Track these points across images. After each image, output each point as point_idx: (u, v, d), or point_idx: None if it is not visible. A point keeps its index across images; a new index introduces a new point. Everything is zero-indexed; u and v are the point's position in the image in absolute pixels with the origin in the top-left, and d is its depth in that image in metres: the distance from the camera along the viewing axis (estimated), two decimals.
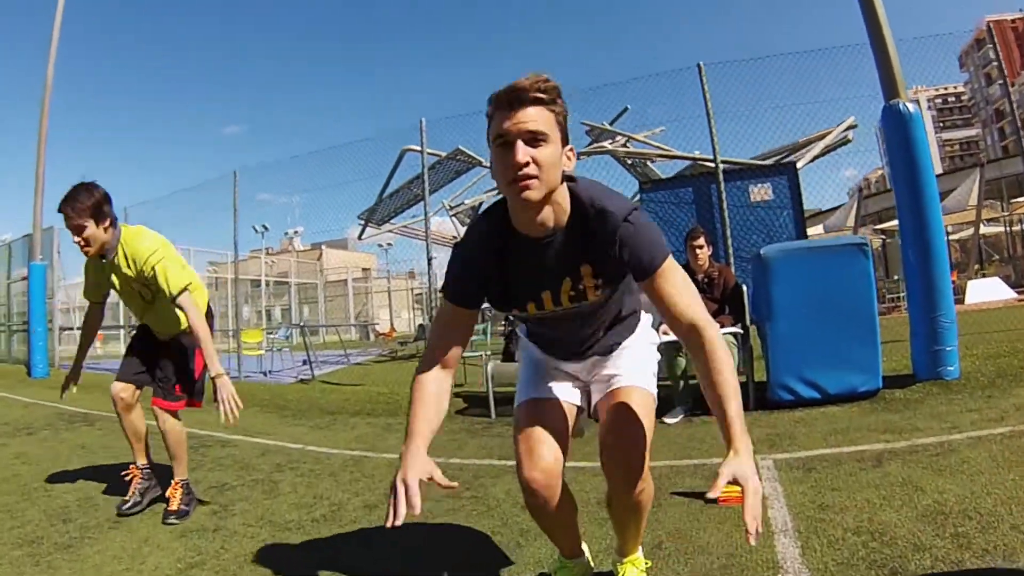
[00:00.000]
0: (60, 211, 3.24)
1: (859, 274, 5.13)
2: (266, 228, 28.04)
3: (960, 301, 15.81)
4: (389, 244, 24.46)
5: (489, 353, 8.55)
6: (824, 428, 4.43)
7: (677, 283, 1.75)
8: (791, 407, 5.11)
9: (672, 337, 5.20)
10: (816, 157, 10.47)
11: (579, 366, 2.16)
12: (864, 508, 2.83)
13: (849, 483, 3.22)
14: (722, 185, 6.74)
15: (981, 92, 78.10)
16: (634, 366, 2.11)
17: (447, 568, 2.63)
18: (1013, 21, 75.00)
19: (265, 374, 11.75)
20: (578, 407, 2.18)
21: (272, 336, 15.24)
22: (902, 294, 20.22)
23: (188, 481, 3.68)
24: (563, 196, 1.75)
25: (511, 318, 6.80)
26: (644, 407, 1.98)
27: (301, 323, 16.36)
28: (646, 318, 2.27)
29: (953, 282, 19.95)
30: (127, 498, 3.60)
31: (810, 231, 16.94)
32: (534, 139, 1.61)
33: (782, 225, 6.69)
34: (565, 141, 1.70)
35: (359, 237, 15.16)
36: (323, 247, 41.35)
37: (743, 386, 5.25)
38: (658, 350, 4.69)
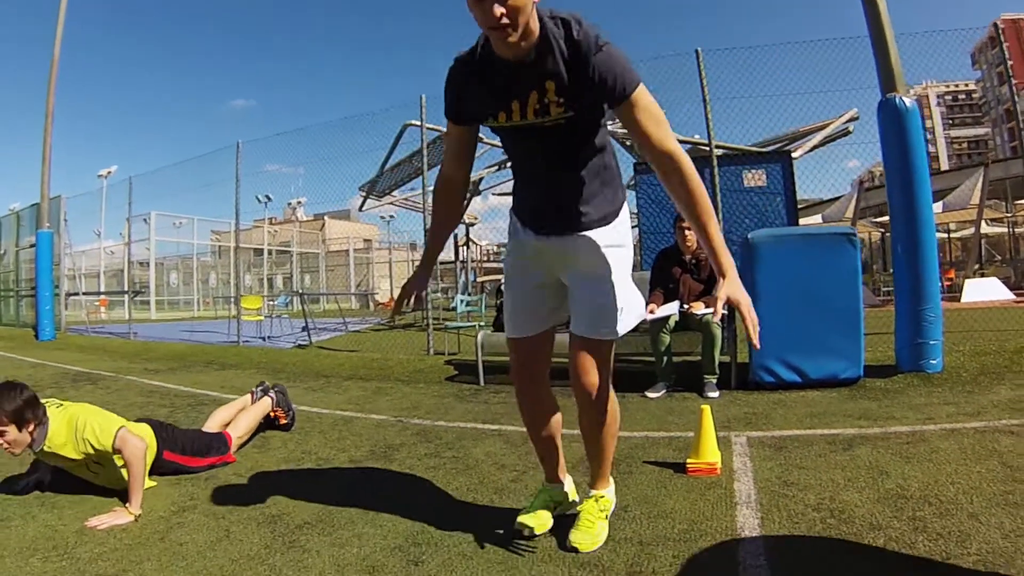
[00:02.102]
0: None
1: (846, 264, 5.18)
2: (269, 198, 28.05)
3: (957, 299, 15.92)
4: (391, 216, 24.55)
5: (484, 324, 8.70)
6: (801, 411, 4.53)
7: (651, 113, 1.98)
8: (772, 389, 5.19)
9: (660, 315, 5.32)
10: (815, 147, 10.51)
11: (555, 252, 2.37)
12: (828, 487, 2.94)
13: (817, 463, 3.31)
14: (716, 170, 6.80)
15: (993, 91, 77.47)
16: (601, 302, 2.35)
17: (422, 519, 2.76)
18: None
19: (264, 339, 11.89)
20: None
21: (272, 303, 15.37)
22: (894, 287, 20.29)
23: (278, 399, 4.52)
24: (534, 22, 1.94)
25: (502, 290, 6.91)
26: (602, 356, 2.36)
27: (300, 291, 16.48)
28: (625, 216, 2.44)
29: (952, 280, 20.00)
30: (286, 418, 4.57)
31: (809, 220, 17.01)
32: None
33: (774, 211, 6.75)
34: None
35: (360, 208, 15.26)
36: (326, 217, 41.39)
37: (726, 366, 5.43)
38: (644, 328, 4.88)
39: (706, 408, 3.33)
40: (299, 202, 34.05)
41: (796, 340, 5.18)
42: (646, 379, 5.43)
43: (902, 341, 5.66)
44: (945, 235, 28.51)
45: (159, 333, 14.19)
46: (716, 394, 5.13)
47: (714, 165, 6.81)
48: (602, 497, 2.55)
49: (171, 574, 2.31)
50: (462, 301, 10.40)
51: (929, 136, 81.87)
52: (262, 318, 13.27)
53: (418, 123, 9.94)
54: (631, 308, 2.39)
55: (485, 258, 32.10)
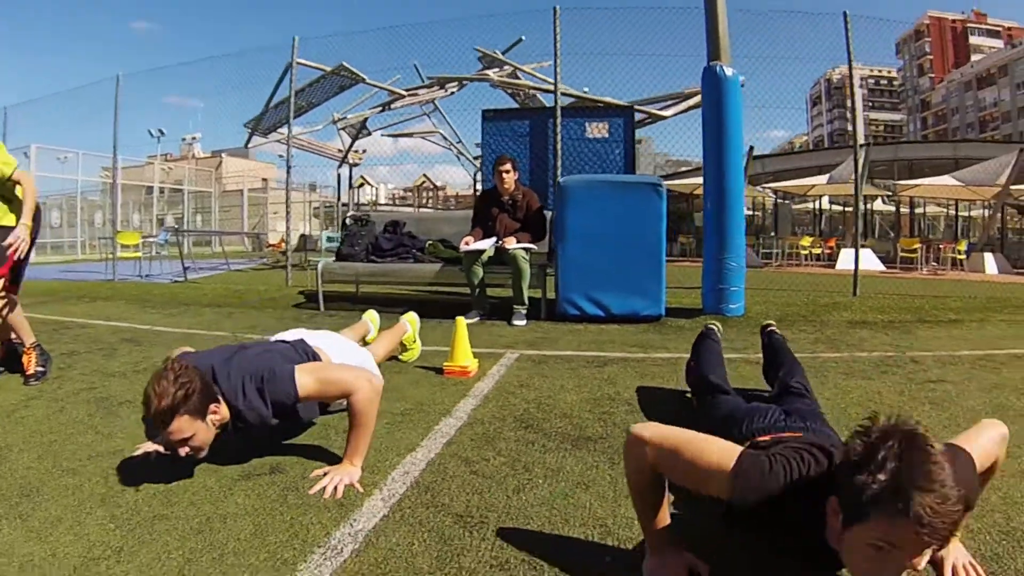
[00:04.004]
0: None
1: (651, 211, 5.71)
2: (162, 133, 27.14)
3: (833, 266, 17.24)
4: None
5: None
6: (588, 339, 5.08)
7: (318, 391, 2.38)
8: (577, 321, 5.76)
9: (472, 248, 5.78)
10: (690, 108, 11.05)
11: None
12: (555, 390, 3.47)
13: (562, 374, 3.85)
14: (558, 120, 7.32)
15: (912, 81, 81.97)
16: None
17: None
18: (953, 21, 78.64)
19: (142, 277, 11.83)
20: None
21: (152, 240, 15.04)
22: (775, 250, 21.60)
23: (38, 343, 3.99)
24: (223, 411, 2.27)
25: (347, 223, 7.26)
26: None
27: (176, 227, 16.17)
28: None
29: (831, 248, 21.34)
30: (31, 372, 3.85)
31: (700, 179, 17.96)
32: (183, 442, 2.14)
33: (613, 161, 7.26)
34: (205, 408, 2.17)
35: (245, 145, 15.17)
36: (223, 155, 39.80)
37: (537, 301, 5.95)
38: (457, 261, 5.69)
39: (460, 320, 3.90)
40: (194, 137, 32.94)
41: (601, 278, 5.74)
42: (463, 308, 5.91)
43: (707, 287, 6.28)
44: (841, 208, 30.32)
45: (34, 274, 13.81)
46: (523, 323, 5.66)
47: (557, 116, 7.30)
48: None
49: (11, 434, 2.80)
50: (327, 238, 10.68)
51: (849, 115, 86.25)
52: (139, 255, 13.11)
53: (303, 61, 10.12)
54: None
55: (390, 201, 32.02)
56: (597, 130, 7.35)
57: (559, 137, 7.25)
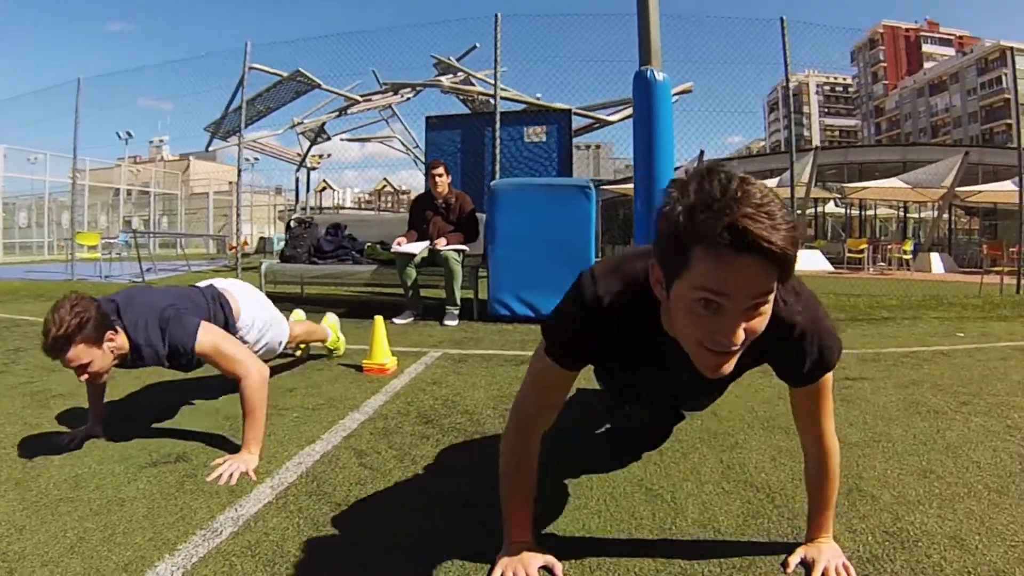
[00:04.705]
0: None
1: (580, 213, 5.96)
2: (130, 135, 26.96)
3: None
4: (256, 159, 24.09)
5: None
6: (515, 338, 5.28)
7: (212, 356, 2.55)
8: (508, 321, 5.98)
9: (404, 249, 5.98)
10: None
11: None
12: (464, 388, 3.65)
13: (477, 372, 4.04)
14: (497, 125, 7.55)
15: (866, 88, 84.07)
16: None
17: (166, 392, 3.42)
18: (907, 30, 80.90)
19: (103, 278, 11.86)
20: None
21: (111, 241, 15.02)
22: None
23: None
24: (120, 340, 2.47)
25: (291, 225, 7.42)
26: None
27: (135, 229, 16.13)
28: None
29: None
30: None
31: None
32: (82, 368, 2.36)
33: (550, 164, 7.51)
34: (101, 336, 2.37)
35: (206, 149, 15.24)
36: (191, 158, 39.65)
37: (468, 302, 6.14)
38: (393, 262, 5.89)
39: (378, 319, 4.08)
40: (162, 140, 32.72)
41: (531, 279, 5.95)
42: (401, 308, 6.16)
43: None
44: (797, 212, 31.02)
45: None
46: (455, 323, 5.88)
47: (496, 121, 7.53)
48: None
49: None
50: (278, 239, 10.83)
51: (806, 121, 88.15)
52: (98, 255, 13.10)
53: (263, 68, 10.31)
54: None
55: (356, 205, 31.98)
56: (535, 134, 7.60)
57: (498, 141, 7.48)
